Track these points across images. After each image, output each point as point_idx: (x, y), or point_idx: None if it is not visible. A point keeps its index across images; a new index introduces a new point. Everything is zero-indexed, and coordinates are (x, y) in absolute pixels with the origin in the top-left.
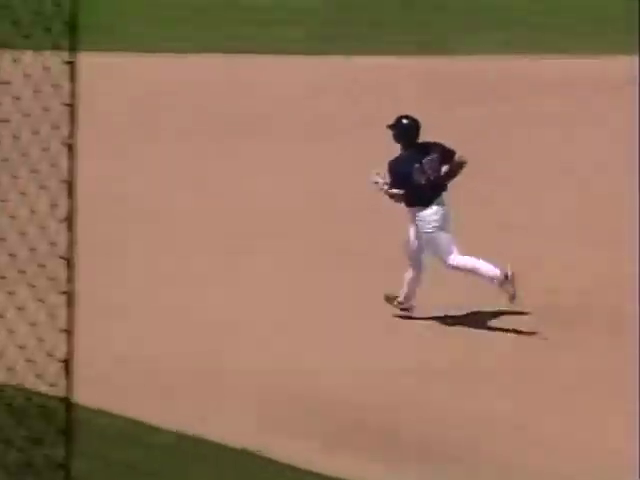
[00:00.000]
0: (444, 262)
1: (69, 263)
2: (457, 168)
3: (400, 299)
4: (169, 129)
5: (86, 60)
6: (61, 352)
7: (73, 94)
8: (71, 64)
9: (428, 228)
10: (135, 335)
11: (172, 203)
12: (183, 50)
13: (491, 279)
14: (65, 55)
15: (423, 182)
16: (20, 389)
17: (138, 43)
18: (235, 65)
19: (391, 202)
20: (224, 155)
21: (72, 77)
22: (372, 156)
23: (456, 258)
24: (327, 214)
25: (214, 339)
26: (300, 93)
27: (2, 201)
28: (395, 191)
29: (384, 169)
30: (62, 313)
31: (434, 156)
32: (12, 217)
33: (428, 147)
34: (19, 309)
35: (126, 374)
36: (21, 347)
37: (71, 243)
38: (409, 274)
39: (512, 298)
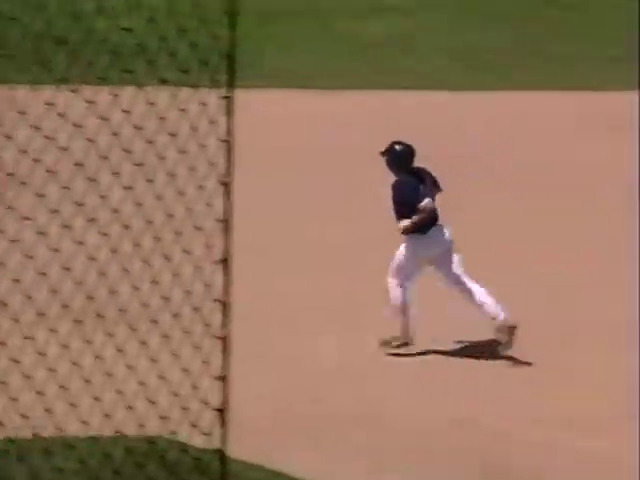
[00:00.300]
0: (453, 278)
1: (225, 307)
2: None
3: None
4: (327, 166)
5: (242, 96)
6: (216, 400)
7: (229, 130)
8: (228, 99)
9: (426, 256)
10: (294, 384)
11: (331, 241)
12: (342, 86)
13: (491, 317)
14: (222, 91)
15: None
16: (173, 441)
17: (295, 78)
18: (393, 100)
19: None
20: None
21: (229, 112)
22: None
23: (466, 281)
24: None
25: (382, 388)
26: (463, 129)
27: (156, 241)
28: (407, 222)
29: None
30: (217, 359)
31: (428, 181)
32: (166, 258)
33: (420, 173)
34: (173, 355)
35: (284, 426)
36: (175, 394)
37: (227, 286)
38: (403, 306)
39: (503, 346)
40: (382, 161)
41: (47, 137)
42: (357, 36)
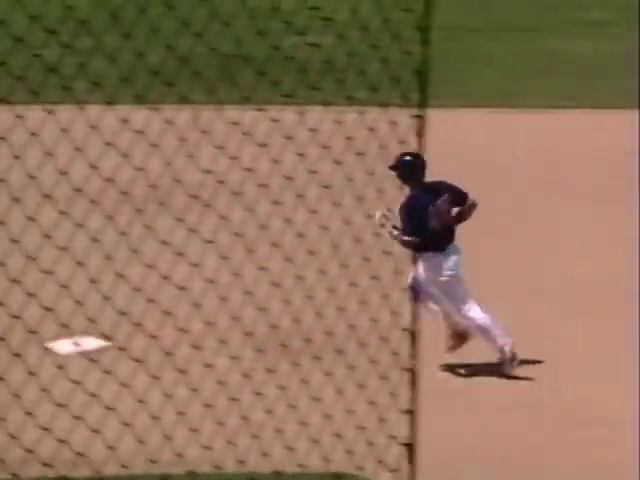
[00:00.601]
0: (457, 312)
1: (413, 336)
2: (469, 210)
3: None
4: (523, 191)
5: (435, 115)
6: (403, 435)
7: (421, 151)
8: (420, 118)
9: (444, 275)
10: (485, 422)
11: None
12: (538, 105)
13: (498, 348)
14: (413, 110)
15: (438, 227)
16: (359, 477)
17: (490, 97)
18: (601, 120)
19: None
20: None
21: (420, 132)
22: None
23: (471, 309)
24: None
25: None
26: None
27: (343, 267)
28: (408, 239)
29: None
30: (405, 392)
31: (445, 197)
32: (352, 284)
33: (436, 187)
34: (359, 386)
35: (474, 466)
36: (360, 428)
37: (415, 314)
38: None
39: (506, 375)
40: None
41: (232, 158)
42: (558, 52)
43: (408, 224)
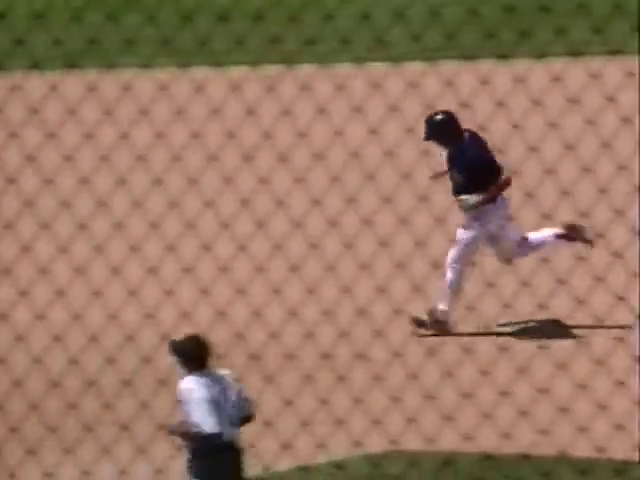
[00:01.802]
0: (516, 249)
1: None
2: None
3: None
4: None
5: None
6: None
7: None
8: None
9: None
10: None
11: None
12: None
13: (558, 238)
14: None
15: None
16: None
17: None
18: None
19: None
20: None
21: None
22: None
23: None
24: None
25: None
26: None
27: None
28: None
29: None
30: None
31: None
32: None
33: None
34: None
35: None
36: None
37: None
38: (451, 281)
39: (590, 241)
40: None
41: None
42: None
43: (475, 171)
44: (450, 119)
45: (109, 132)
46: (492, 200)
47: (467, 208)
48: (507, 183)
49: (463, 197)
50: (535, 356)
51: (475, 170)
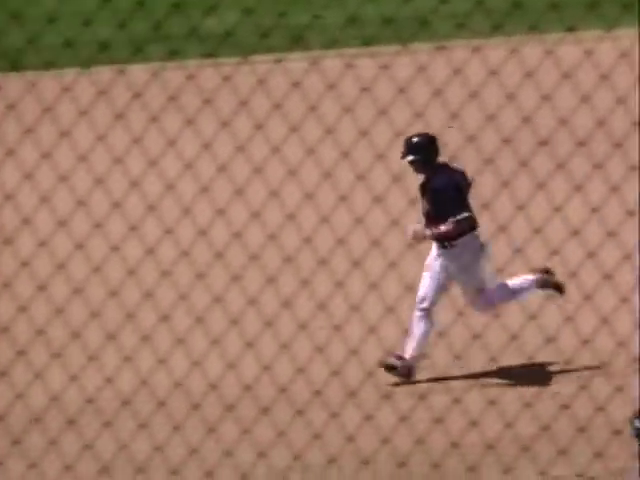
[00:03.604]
0: (484, 292)
1: None
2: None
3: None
4: None
5: None
6: None
7: None
8: None
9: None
10: None
11: None
12: None
13: (532, 284)
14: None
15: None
16: None
17: None
18: None
19: None
20: None
21: None
22: None
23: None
24: None
25: None
26: None
27: None
28: (460, 217)
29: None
30: None
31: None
32: None
33: (451, 168)
34: None
35: None
36: None
37: None
38: (423, 325)
39: (561, 288)
40: None
41: None
42: None
43: (443, 205)
44: (430, 142)
45: (120, 135)
46: (450, 237)
47: (415, 238)
48: (447, 231)
49: (417, 225)
50: (540, 349)
51: (438, 202)
